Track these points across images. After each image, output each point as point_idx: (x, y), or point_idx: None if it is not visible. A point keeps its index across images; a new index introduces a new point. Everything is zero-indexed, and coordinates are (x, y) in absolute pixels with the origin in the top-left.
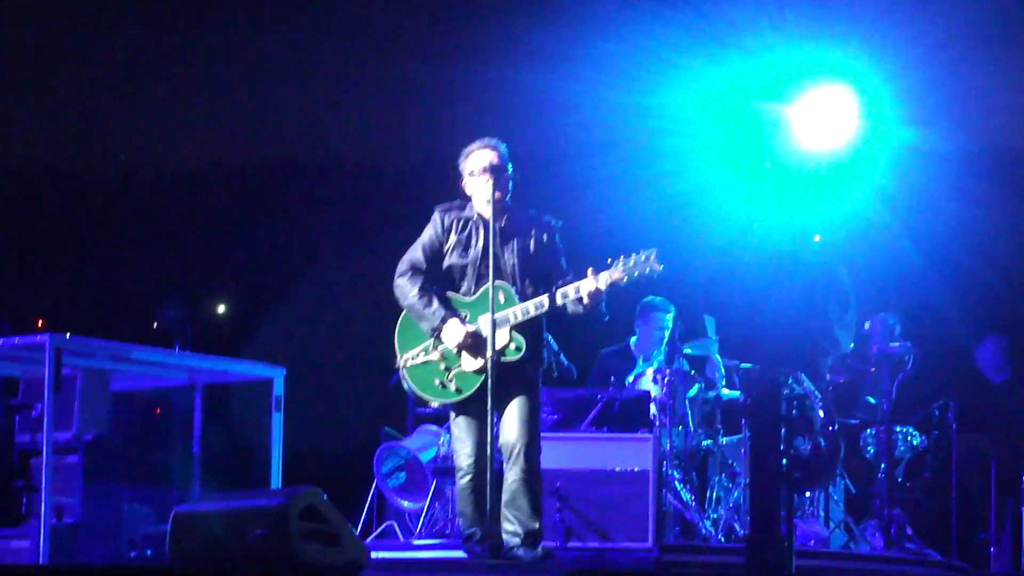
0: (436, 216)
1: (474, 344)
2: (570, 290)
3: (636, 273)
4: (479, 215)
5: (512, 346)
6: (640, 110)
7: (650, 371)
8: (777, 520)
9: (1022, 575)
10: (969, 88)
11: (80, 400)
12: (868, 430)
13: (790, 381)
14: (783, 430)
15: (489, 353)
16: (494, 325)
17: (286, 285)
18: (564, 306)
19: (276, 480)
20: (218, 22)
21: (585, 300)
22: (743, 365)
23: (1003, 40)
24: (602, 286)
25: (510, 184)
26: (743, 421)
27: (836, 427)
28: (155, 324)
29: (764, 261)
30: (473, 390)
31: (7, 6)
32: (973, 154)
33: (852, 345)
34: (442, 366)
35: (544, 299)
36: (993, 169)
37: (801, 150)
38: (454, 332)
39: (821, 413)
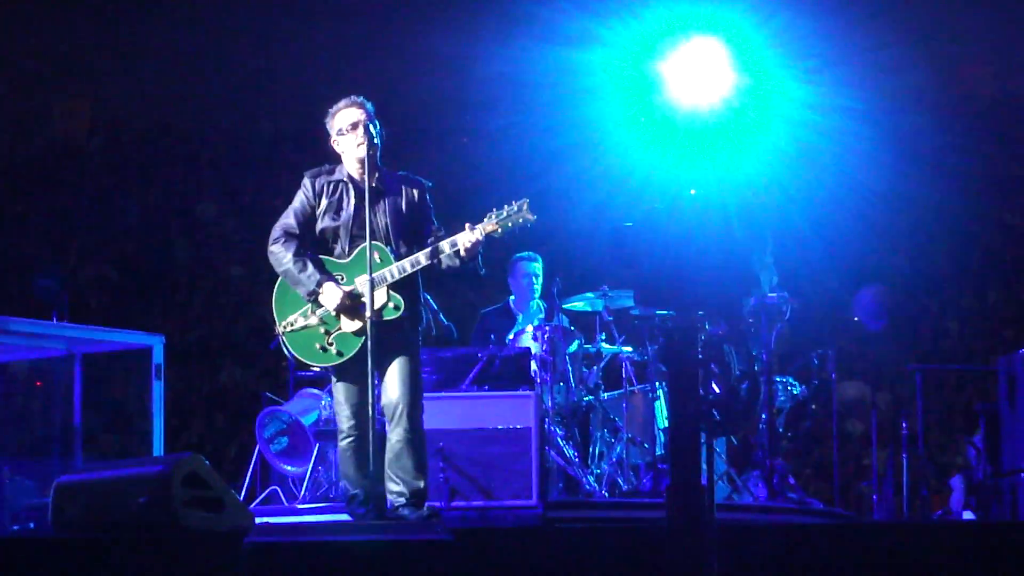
0: (306, 181)
1: (352, 306)
2: (446, 244)
3: (510, 223)
4: (349, 176)
5: (391, 305)
6: (521, 65)
7: (530, 328)
8: (698, 468)
9: (904, 522)
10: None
11: None
12: (746, 382)
13: (706, 325)
14: (700, 375)
15: (368, 313)
16: (372, 285)
17: (164, 251)
18: (440, 262)
19: (158, 449)
20: None
21: (462, 253)
22: (659, 312)
23: None
24: (478, 237)
25: (378, 142)
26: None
27: (756, 370)
28: (32, 294)
29: (679, 206)
30: (354, 352)
31: None
32: (855, 109)
33: (775, 281)
34: (321, 330)
35: (421, 256)
36: (872, 122)
37: (679, 106)
38: (331, 295)
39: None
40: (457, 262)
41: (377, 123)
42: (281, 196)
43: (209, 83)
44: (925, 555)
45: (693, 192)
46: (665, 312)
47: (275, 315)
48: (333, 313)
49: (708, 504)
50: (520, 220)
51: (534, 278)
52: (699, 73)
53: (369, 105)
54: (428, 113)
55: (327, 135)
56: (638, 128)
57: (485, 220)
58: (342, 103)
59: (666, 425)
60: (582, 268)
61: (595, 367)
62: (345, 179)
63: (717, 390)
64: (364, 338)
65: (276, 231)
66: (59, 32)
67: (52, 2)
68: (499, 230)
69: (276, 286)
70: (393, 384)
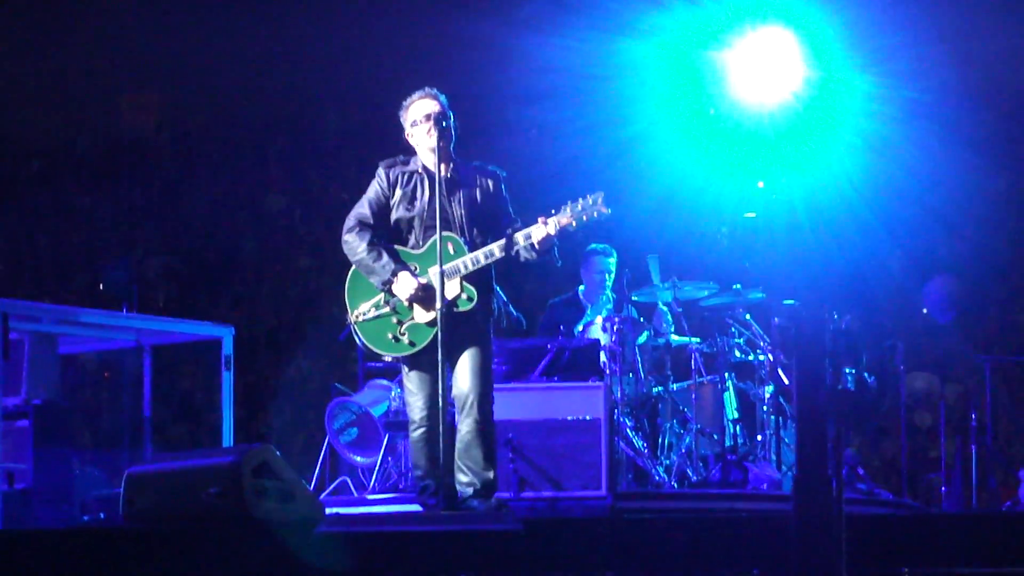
0: (380, 171)
1: (425, 296)
2: (520, 237)
3: (584, 217)
4: (423, 167)
5: (463, 296)
6: (584, 57)
7: (599, 319)
8: (825, 460)
9: (972, 513)
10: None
11: (28, 365)
12: None
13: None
14: (829, 365)
15: (439, 304)
16: (443, 275)
17: (231, 243)
18: (516, 254)
19: (227, 440)
20: None
21: (537, 246)
22: (786, 302)
23: None
24: (552, 231)
25: (453, 134)
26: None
27: (888, 362)
28: (101, 286)
29: (811, 196)
30: (426, 342)
31: None
32: (919, 101)
33: None
34: (394, 320)
35: (495, 247)
36: (937, 113)
37: (746, 99)
38: (405, 285)
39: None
40: (533, 255)
41: (451, 114)
42: (348, 189)
43: (277, 76)
44: (993, 546)
45: (761, 185)
46: (790, 302)
47: (347, 304)
48: (406, 303)
49: (837, 496)
50: (595, 214)
51: (607, 274)
52: (767, 65)
53: (443, 97)
54: (494, 106)
55: (400, 128)
56: (706, 120)
57: (560, 213)
58: (416, 95)
59: (735, 416)
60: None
61: (667, 357)
62: (420, 170)
63: (843, 383)
64: (436, 329)
65: (350, 220)
66: (128, 25)
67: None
68: (574, 223)
69: (348, 275)
70: (464, 375)
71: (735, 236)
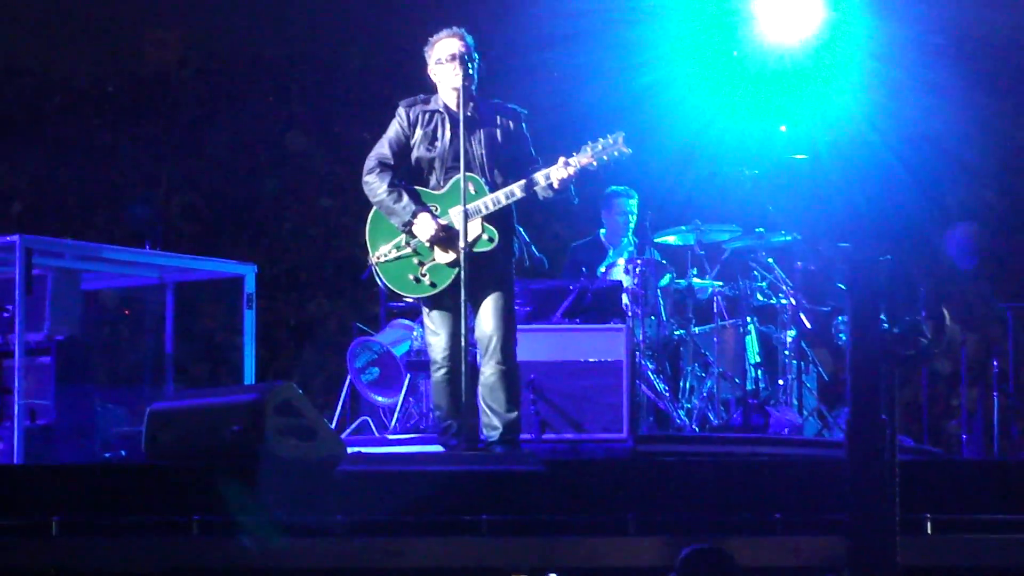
0: (401, 111)
1: (447, 237)
2: (540, 177)
3: (605, 157)
4: (444, 107)
5: (484, 237)
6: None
7: (621, 261)
8: (879, 403)
9: (993, 460)
10: None
11: (51, 301)
12: (839, 317)
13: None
14: (884, 308)
15: (462, 244)
16: (466, 216)
17: (252, 182)
18: (535, 193)
19: (249, 378)
20: None
21: (556, 186)
22: (841, 244)
23: None
24: (572, 172)
25: (476, 74)
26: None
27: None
28: (125, 223)
29: (864, 139)
30: (448, 283)
31: None
32: (940, 45)
33: None
34: (415, 261)
35: (515, 188)
36: (958, 58)
37: (767, 42)
38: (426, 226)
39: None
40: (551, 194)
41: (476, 55)
42: (370, 129)
43: (298, 15)
44: (1015, 493)
45: (783, 129)
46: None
47: (368, 245)
48: (427, 244)
49: (891, 439)
50: (616, 153)
51: (630, 215)
52: (789, 6)
53: (469, 37)
54: (517, 49)
55: (423, 64)
56: (730, 62)
57: (580, 153)
58: (443, 33)
59: (757, 360)
60: (673, 201)
61: (690, 300)
62: (440, 109)
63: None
64: (457, 270)
65: (370, 161)
66: None
67: None
68: (594, 163)
69: (370, 216)
70: (487, 317)
71: (759, 179)
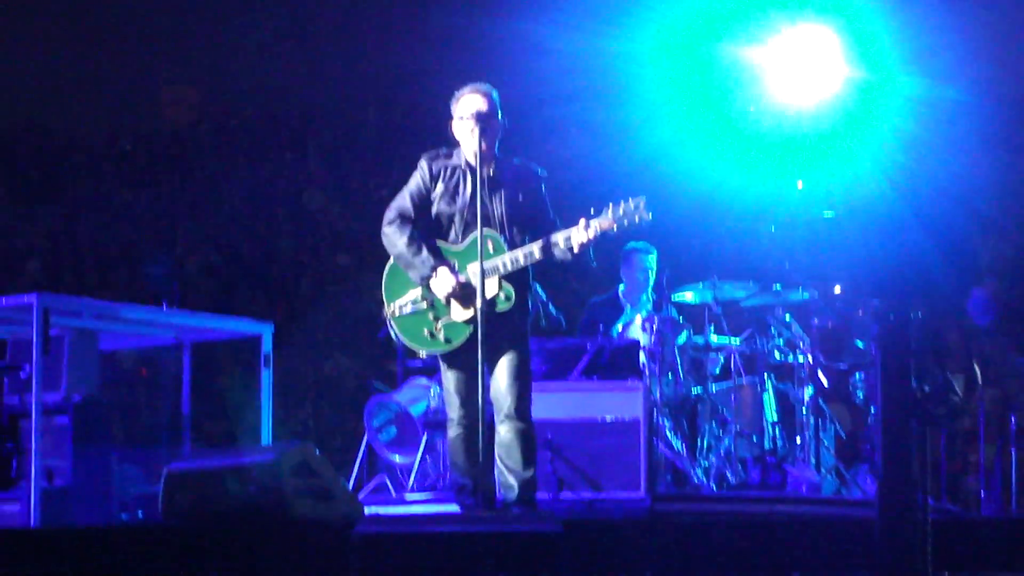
0: (423, 163)
1: (464, 294)
2: (560, 239)
3: (626, 222)
4: (466, 162)
5: (501, 295)
6: (619, 56)
7: (639, 319)
8: (910, 461)
9: (1012, 518)
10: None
11: (68, 361)
12: (857, 374)
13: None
14: (914, 365)
15: (479, 303)
16: (483, 273)
17: (270, 240)
18: (553, 255)
19: (266, 438)
20: None
21: (575, 249)
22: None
23: None
24: (592, 235)
25: (498, 132)
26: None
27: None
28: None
29: (899, 196)
30: (462, 340)
31: None
32: (959, 101)
33: None
34: (431, 316)
35: (535, 248)
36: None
37: (780, 101)
38: (444, 281)
39: None
40: (569, 256)
41: (499, 112)
42: (387, 185)
43: (318, 73)
44: None
45: (800, 185)
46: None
47: (384, 297)
48: (443, 300)
49: (923, 499)
50: (636, 219)
51: (649, 271)
52: (807, 64)
53: (495, 93)
54: (535, 105)
55: (449, 116)
56: (748, 119)
57: (601, 216)
58: (467, 88)
59: (775, 418)
60: (689, 258)
61: (712, 355)
62: (463, 165)
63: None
64: (473, 327)
65: (390, 212)
66: (168, 19)
67: None
68: (615, 227)
69: (387, 268)
70: (503, 376)
71: (777, 235)
